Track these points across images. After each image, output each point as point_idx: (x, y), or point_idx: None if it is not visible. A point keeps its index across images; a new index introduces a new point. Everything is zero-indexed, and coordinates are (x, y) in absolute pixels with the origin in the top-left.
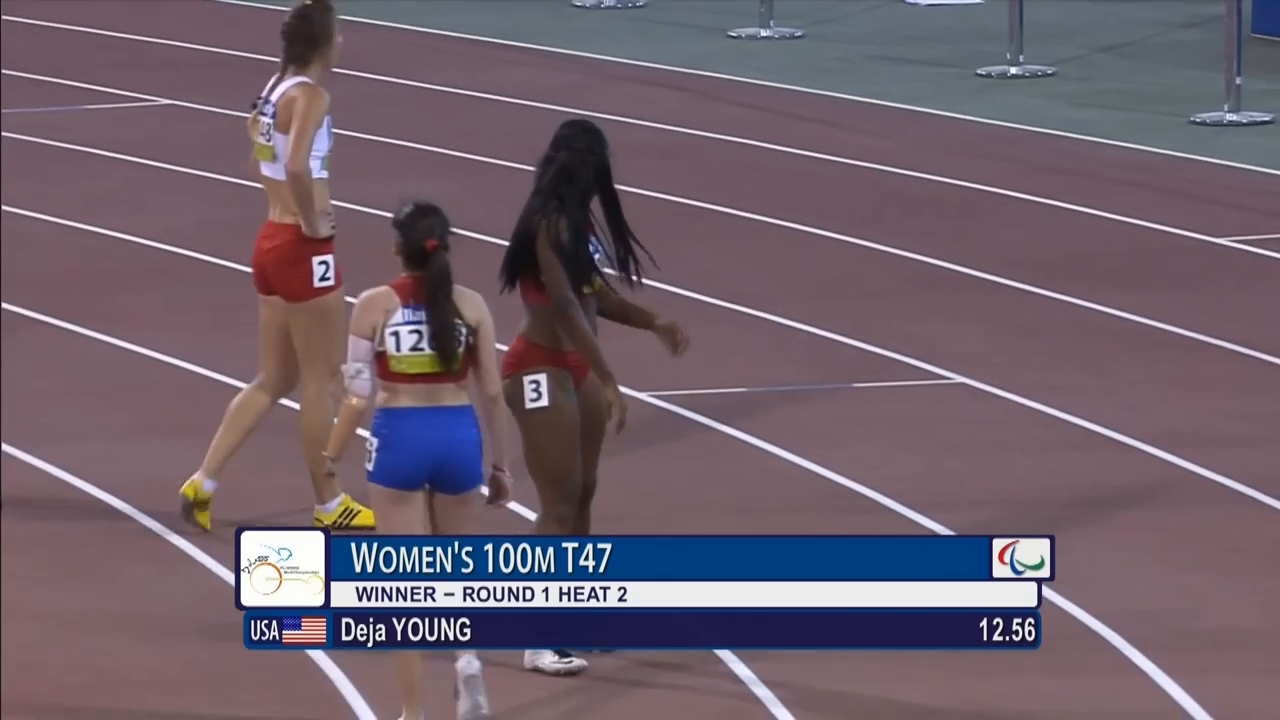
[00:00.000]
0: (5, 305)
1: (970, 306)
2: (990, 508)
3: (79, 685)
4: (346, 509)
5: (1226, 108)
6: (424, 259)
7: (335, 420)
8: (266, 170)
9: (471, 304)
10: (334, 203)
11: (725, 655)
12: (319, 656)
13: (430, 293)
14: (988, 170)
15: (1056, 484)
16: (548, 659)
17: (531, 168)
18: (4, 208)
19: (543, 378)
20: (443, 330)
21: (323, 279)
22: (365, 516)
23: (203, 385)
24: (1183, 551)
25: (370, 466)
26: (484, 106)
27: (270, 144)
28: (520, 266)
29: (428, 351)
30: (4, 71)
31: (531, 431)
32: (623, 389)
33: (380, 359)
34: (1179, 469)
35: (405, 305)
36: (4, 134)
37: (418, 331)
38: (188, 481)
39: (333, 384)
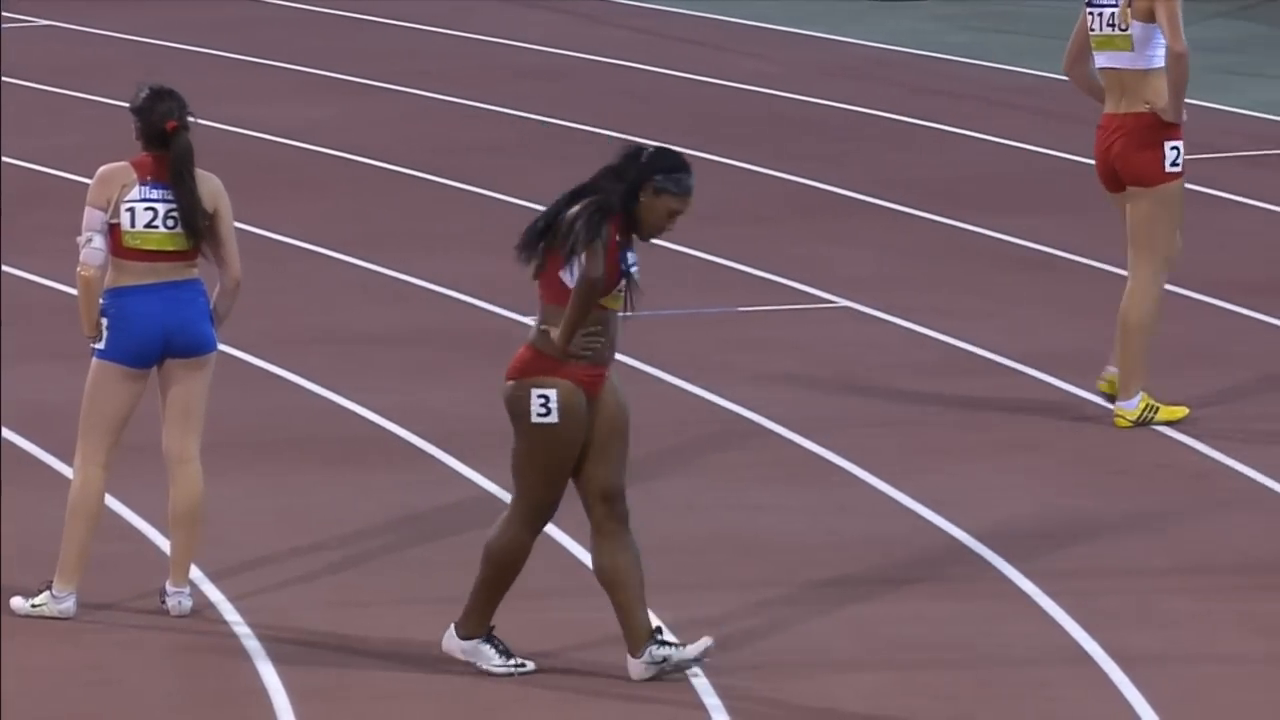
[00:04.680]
0: None
1: (856, 230)
2: (875, 431)
3: None
4: (1148, 405)
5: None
6: (165, 140)
7: None
8: (1107, 61)
9: (209, 186)
10: (214, 124)
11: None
12: None
13: (175, 171)
14: (873, 93)
15: (942, 407)
16: (494, 659)
17: (412, 89)
18: None
19: (553, 393)
20: (189, 208)
21: (1173, 164)
22: (1167, 413)
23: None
24: (1067, 474)
25: (101, 346)
26: (365, 29)
27: (1125, 33)
28: (545, 261)
29: (162, 229)
30: None
31: (532, 444)
32: (497, 309)
33: (114, 233)
34: (1063, 392)
35: (143, 183)
36: None
37: (153, 209)
38: None
39: (1164, 274)
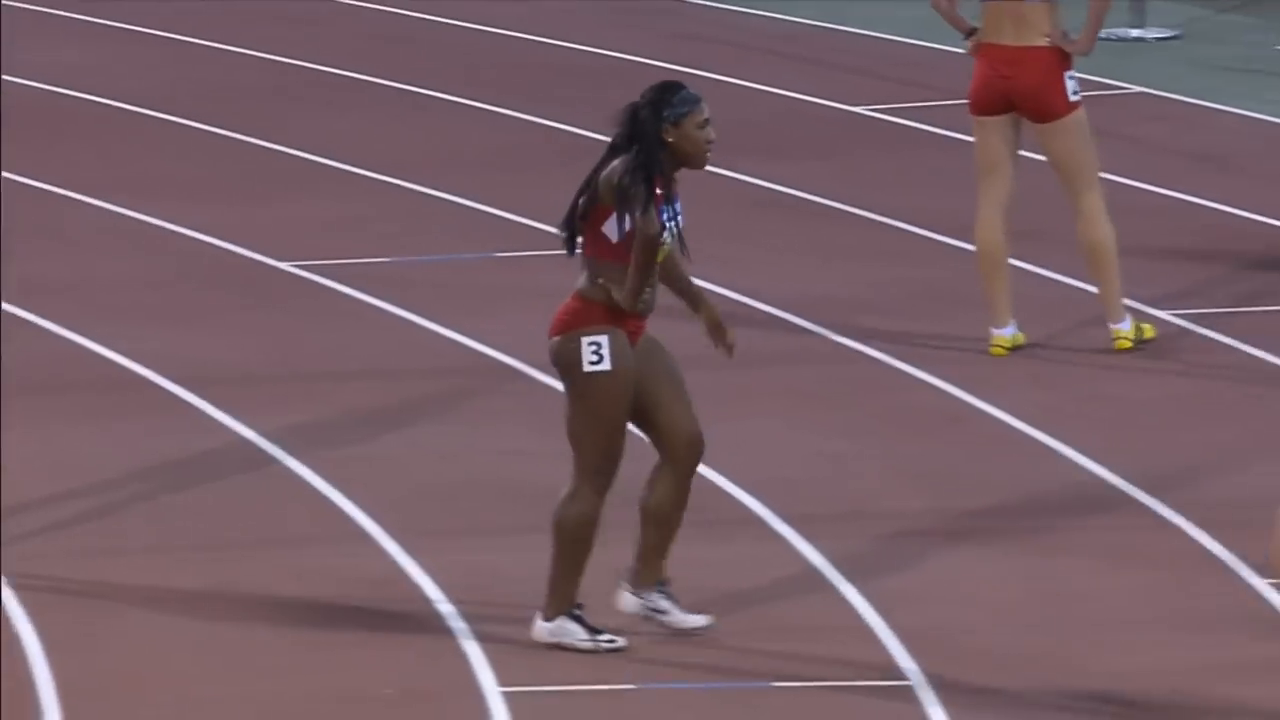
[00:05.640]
0: None
1: None
2: None
3: None
4: (1136, 325)
5: None
6: None
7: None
8: None
9: None
10: None
11: None
12: None
13: None
14: (635, 40)
15: (698, 352)
16: (580, 635)
17: (170, 34)
18: None
19: (604, 339)
20: None
21: (1074, 93)
22: (1148, 330)
23: None
24: (824, 419)
25: None
26: None
27: None
28: (588, 212)
29: None
30: None
31: (588, 394)
32: (252, 254)
33: None
34: (819, 336)
35: None
36: None
37: None
38: None
39: (1100, 187)
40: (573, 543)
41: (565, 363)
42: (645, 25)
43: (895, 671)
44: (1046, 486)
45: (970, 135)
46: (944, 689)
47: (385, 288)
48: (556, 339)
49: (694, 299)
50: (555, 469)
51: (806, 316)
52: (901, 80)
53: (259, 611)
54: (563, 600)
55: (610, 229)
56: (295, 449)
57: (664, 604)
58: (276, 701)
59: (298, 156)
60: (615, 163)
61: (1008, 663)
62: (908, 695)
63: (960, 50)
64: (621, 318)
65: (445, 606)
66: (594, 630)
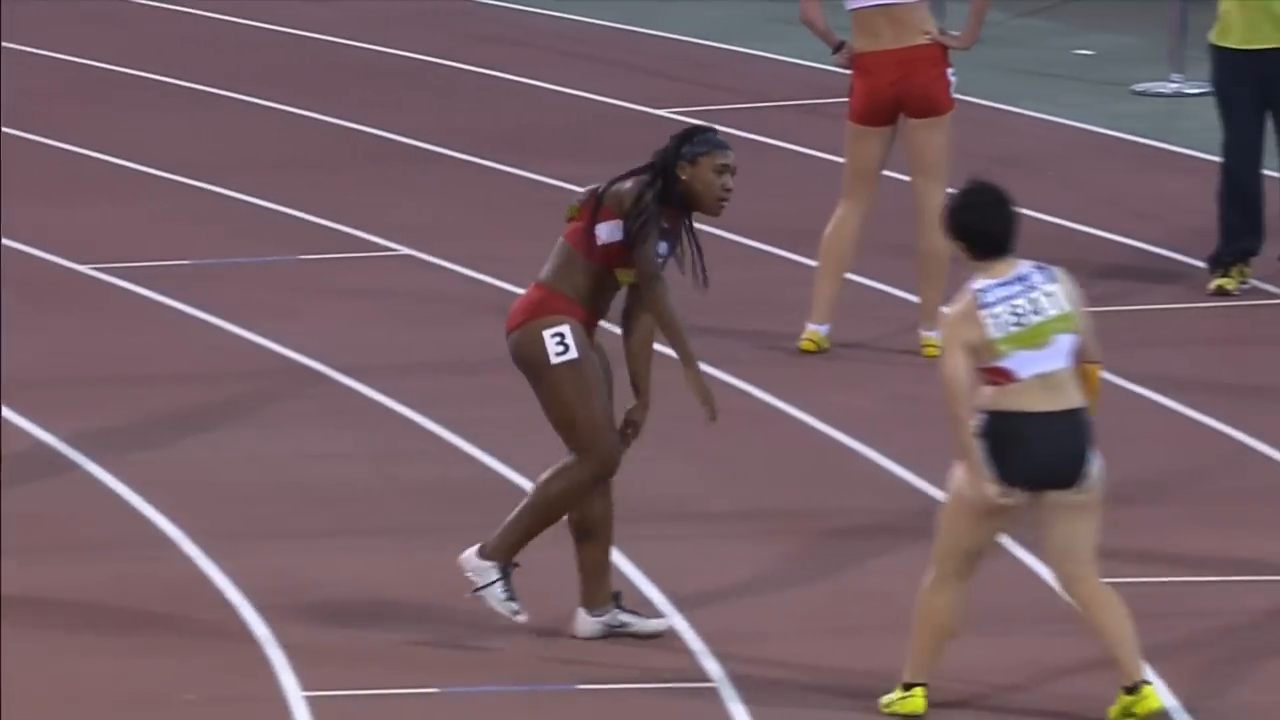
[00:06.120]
0: None
1: (417, 178)
2: (436, 377)
3: None
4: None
5: None
6: None
7: None
8: None
9: None
10: None
11: None
12: None
13: None
14: (435, 41)
15: (502, 355)
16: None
17: None
18: None
19: (566, 329)
20: None
21: (954, 90)
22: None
23: None
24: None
25: None
26: None
27: None
28: (595, 209)
29: None
30: None
31: (561, 387)
32: (43, 253)
33: None
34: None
35: None
36: None
37: None
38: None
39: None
40: (548, 509)
41: (529, 359)
42: (445, 27)
43: (699, 673)
44: (849, 488)
45: (767, 137)
46: (747, 690)
47: (186, 290)
48: (515, 333)
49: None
50: (360, 471)
51: (610, 320)
52: (704, 83)
53: (60, 618)
54: (505, 551)
55: (603, 230)
56: (97, 453)
57: (624, 617)
58: (77, 707)
59: (97, 159)
60: (630, 181)
61: (810, 663)
62: (711, 696)
63: (763, 54)
64: (580, 312)
65: (248, 611)
66: (511, 597)
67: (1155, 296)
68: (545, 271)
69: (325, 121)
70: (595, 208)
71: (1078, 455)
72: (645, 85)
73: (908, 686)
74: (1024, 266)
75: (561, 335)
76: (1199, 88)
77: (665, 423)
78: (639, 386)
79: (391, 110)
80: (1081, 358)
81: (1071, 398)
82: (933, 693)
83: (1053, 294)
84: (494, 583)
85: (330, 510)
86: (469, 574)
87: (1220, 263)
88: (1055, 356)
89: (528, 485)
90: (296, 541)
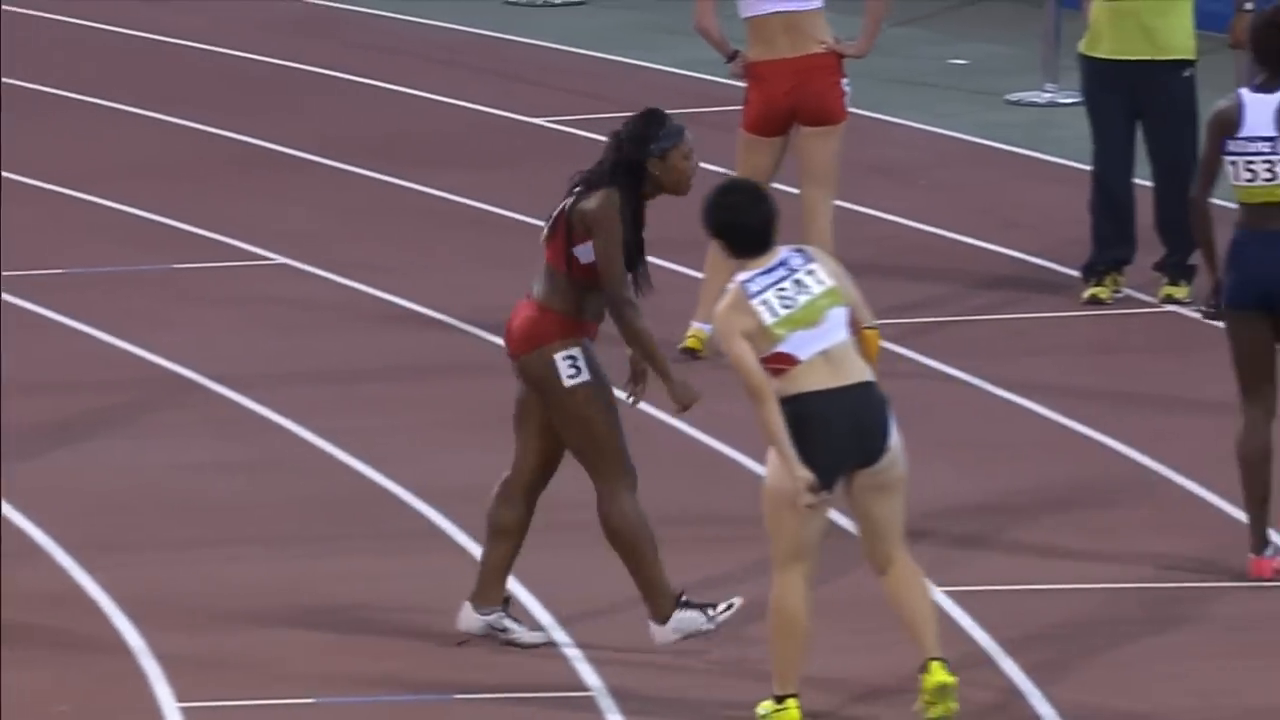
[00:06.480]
0: None
1: (292, 186)
2: (312, 386)
3: None
4: None
5: None
6: None
7: None
8: (778, 5)
9: None
10: None
11: None
12: None
13: None
14: (313, 49)
15: (378, 363)
16: (701, 622)
17: None
18: None
19: (577, 351)
20: None
21: (849, 100)
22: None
23: None
24: (505, 430)
25: None
26: None
27: None
28: (569, 233)
29: None
30: None
31: (579, 407)
32: None
33: None
34: (499, 348)
35: None
36: None
37: None
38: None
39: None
40: (632, 545)
41: (543, 382)
42: (323, 35)
43: (576, 683)
44: (729, 496)
45: None
46: (624, 700)
47: (60, 300)
48: (525, 356)
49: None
50: (235, 481)
51: (486, 328)
52: (580, 92)
53: None
54: (665, 596)
55: (581, 252)
56: None
57: (508, 623)
58: None
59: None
60: (594, 199)
61: (688, 673)
62: (589, 705)
63: (639, 63)
64: (581, 327)
65: (122, 621)
66: (707, 607)
67: (1029, 305)
68: (538, 291)
69: (198, 129)
70: (567, 230)
71: (877, 427)
72: (521, 93)
73: (780, 699)
74: (783, 252)
75: (573, 358)
76: (1072, 97)
77: None
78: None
79: (265, 118)
80: (856, 326)
81: (859, 371)
82: (806, 701)
83: (814, 272)
84: (698, 621)
85: (204, 520)
86: (681, 637)
87: (1094, 272)
88: (832, 331)
89: (402, 493)
90: (171, 552)
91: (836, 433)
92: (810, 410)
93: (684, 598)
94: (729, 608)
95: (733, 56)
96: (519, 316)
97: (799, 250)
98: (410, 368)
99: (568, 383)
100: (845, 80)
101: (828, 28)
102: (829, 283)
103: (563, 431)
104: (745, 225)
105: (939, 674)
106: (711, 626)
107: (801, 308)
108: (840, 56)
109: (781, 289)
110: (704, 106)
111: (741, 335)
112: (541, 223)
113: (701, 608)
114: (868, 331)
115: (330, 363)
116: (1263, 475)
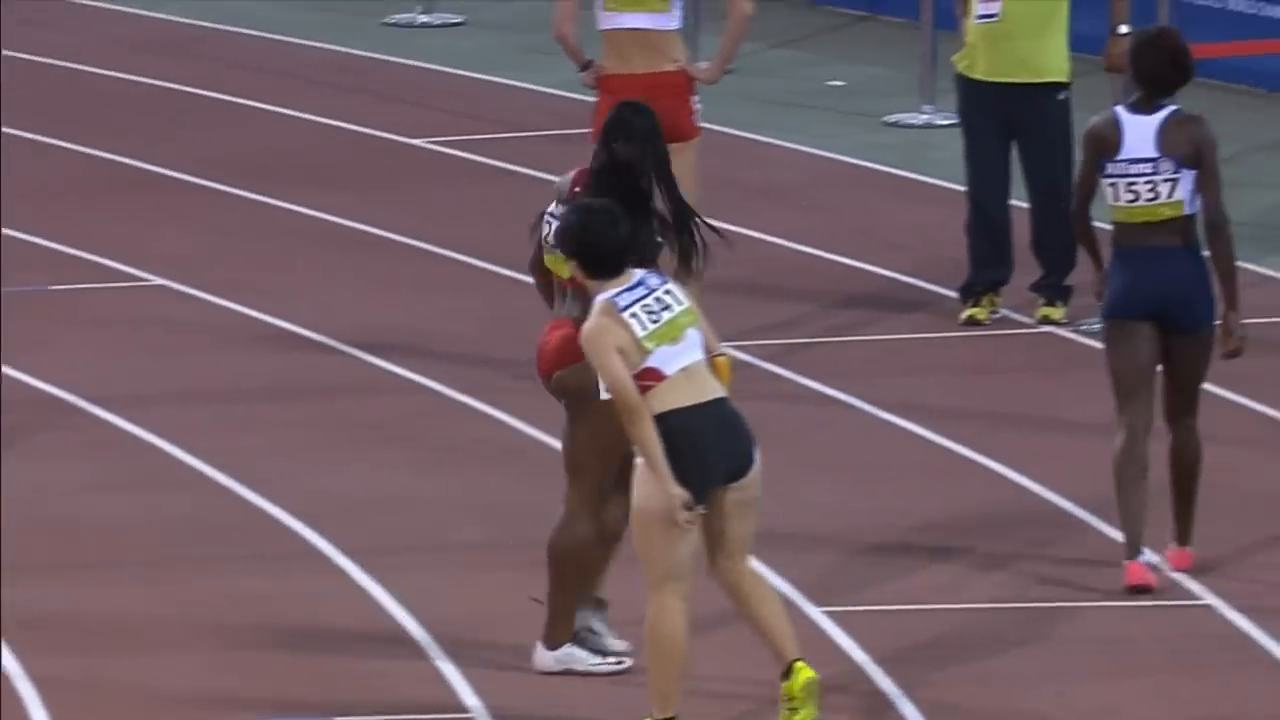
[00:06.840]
0: None
1: (169, 208)
2: (189, 407)
3: None
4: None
5: (419, 9)
6: None
7: None
8: (634, 22)
9: None
10: None
11: None
12: None
13: None
14: (187, 70)
15: (256, 384)
16: (590, 660)
17: None
18: None
19: None
20: None
21: (699, 118)
22: None
23: None
24: (385, 450)
25: None
26: None
27: None
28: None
29: None
30: None
31: (595, 423)
32: None
33: None
34: (378, 368)
35: None
36: None
37: None
38: None
39: None
40: (572, 567)
41: (578, 391)
42: (200, 55)
43: (456, 704)
44: None
45: (521, 166)
46: None
47: None
48: (568, 368)
49: None
50: (113, 503)
51: (365, 348)
52: (457, 112)
53: None
54: (566, 628)
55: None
56: None
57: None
58: None
59: None
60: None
61: (569, 695)
62: None
63: (519, 84)
64: None
65: None
66: (601, 652)
67: (906, 326)
68: (564, 311)
69: (74, 150)
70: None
71: (743, 441)
72: (399, 114)
73: None
74: (638, 273)
75: None
76: (949, 119)
77: (423, 453)
78: None
79: (141, 139)
80: (708, 353)
81: (715, 388)
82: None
83: (671, 291)
84: (585, 661)
85: (82, 542)
86: (561, 669)
87: (971, 293)
88: (690, 349)
89: (280, 514)
90: (48, 575)
91: (706, 448)
92: (678, 426)
93: (580, 635)
94: (619, 664)
95: (586, 66)
96: (556, 335)
97: (653, 272)
98: (288, 388)
99: (604, 395)
100: (696, 99)
101: (683, 48)
102: (686, 303)
103: (575, 438)
104: (604, 247)
105: (806, 671)
106: (592, 671)
107: (665, 324)
108: (691, 78)
109: (646, 304)
110: (581, 128)
111: (615, 350)
112: (422, 243)
113: (594, 651)
114: (719, 360)
115: (208, 384)
116: (1139, 491)
